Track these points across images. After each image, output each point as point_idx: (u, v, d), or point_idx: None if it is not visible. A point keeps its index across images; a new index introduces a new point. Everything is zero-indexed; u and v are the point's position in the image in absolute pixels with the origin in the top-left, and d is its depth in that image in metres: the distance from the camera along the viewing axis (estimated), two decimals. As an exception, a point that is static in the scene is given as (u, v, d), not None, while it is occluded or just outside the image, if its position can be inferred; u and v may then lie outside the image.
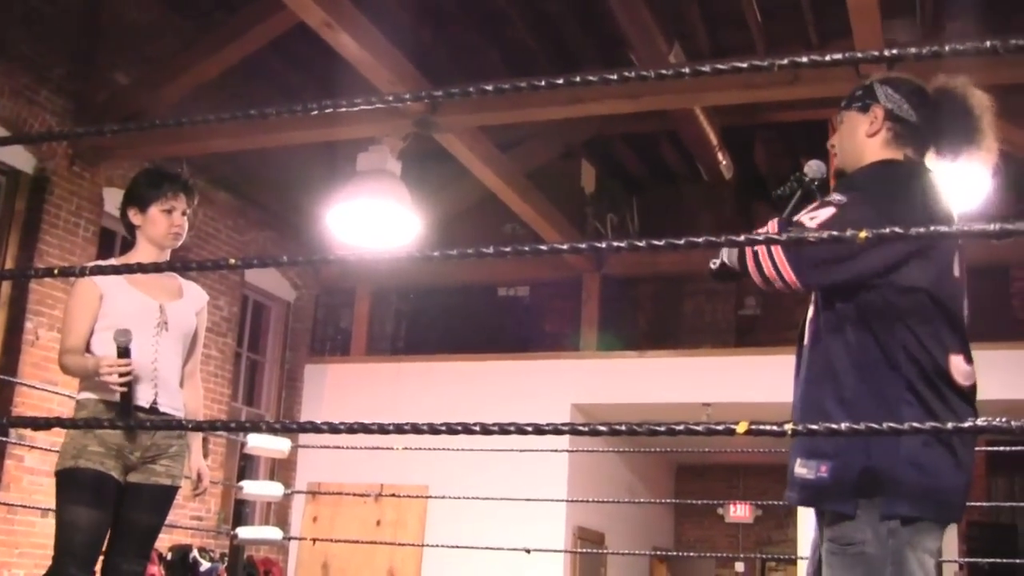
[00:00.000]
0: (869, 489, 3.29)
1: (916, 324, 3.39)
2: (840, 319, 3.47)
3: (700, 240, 2.32)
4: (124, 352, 4.77)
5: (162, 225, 5.16)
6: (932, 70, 8.00)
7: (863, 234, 2.29)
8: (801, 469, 3.42)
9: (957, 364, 3.42)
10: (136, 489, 4.99)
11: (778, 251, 3.33)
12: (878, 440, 3.28)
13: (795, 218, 3.45)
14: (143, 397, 4.96)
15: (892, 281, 3.40)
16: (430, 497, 10.24)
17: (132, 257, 5.22)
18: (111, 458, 4.88)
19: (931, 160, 3.73)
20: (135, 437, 4.94)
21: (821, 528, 3.51)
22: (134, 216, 5.22)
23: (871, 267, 3.38)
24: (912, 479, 3.28)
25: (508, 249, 2.38)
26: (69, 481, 4.88)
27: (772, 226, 3.47)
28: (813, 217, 3.36)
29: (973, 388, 3.46)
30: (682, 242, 2.33)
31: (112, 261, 5.60)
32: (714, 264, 3.67)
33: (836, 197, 3.41)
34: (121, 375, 4.74)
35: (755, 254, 3.39)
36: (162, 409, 5.03)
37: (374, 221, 10.13)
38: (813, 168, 3.87)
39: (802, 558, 11.19)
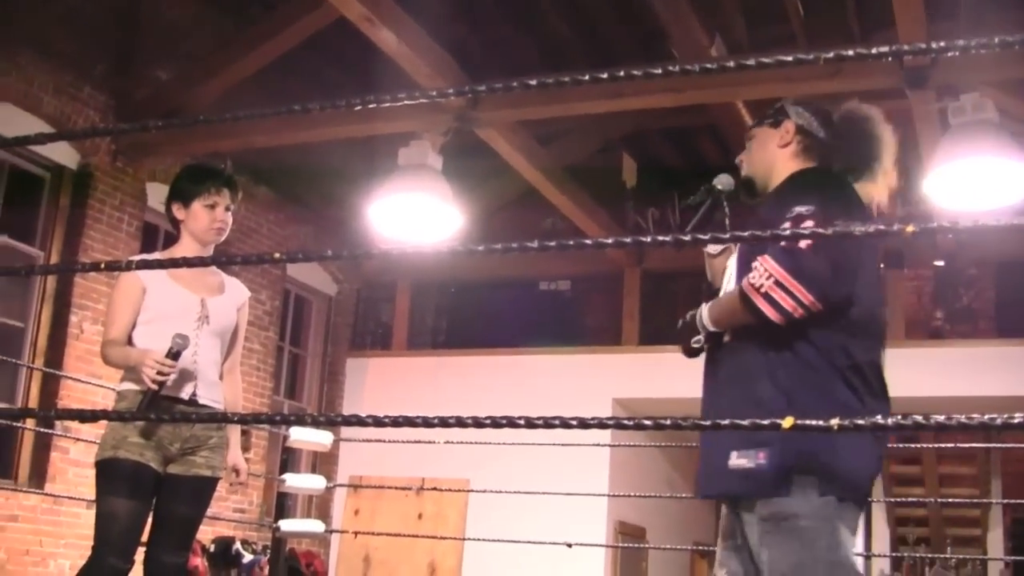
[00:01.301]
0: (806, 469, 3.44)
1: (854, 325, 3.61)
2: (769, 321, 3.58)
3: (745, 234, 2.32)
4: (175, 355, 4.83)
5: (205, 220, 5.19)
6: (974, 65, 7.93)
7: (910, 228, 2.28)
8: (740, 460, 3.54)
9: (884, 357, 3.75)
10: (175, 480, 5.02)
11: (789, 281, 3.41)
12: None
13: (781, 245, 3.50)
14: (183, 390, 5.00)
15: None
16: (471, 491, 10.25)
17: (175, 252, 5.26)
18: (150, 449, 4.91)
19: None
20: (174, 428, 4.97)
21: (740, 514, 3.68)
22: (177, 211, 5.25)
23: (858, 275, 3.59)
24: (844, 462, 3.47)
25: (552, 244, 2.38)
26: (108, 471, 4.92)
27: (769, 263, 3.48)
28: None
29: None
30: (727, 236, 2.33)
31: (156, 255, 5.64)
32: (697, 343, 3.87)
33: (799, 209, 3.52)
34: (161, 373, 4.79)
35: (766, 296, 3.46)
36: (201, 401, 5.07)
37: (415, 215, 10.14)
38: (723, 181, 4.08)
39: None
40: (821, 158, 3.95)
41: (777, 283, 3.42)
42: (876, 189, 3.93)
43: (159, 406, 4.84)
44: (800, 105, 4.06)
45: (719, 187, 4.05)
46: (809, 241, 3.41)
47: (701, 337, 3.81)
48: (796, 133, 3.98)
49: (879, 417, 3.38)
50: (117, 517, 4.85)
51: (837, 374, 3.52)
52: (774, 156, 3.99)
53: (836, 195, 3.69)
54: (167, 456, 4.99)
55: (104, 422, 5.12)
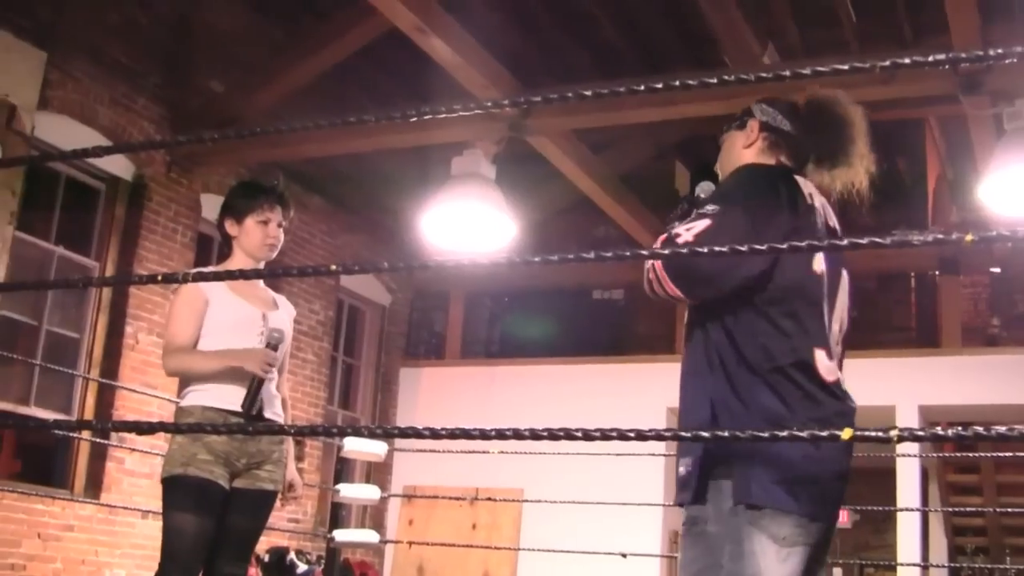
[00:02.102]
0: (721, 475, 3.41)
1: (775, 326, 3.53)
2: (704, 320, 3.64)
3: (803, 244, 2.29)
4: (274, 348, 5.02)
5: (257, 236, 5.21)
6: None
7: (969, 237, 2.25)
8: (680, 468, 3.56)
9: (820, 359, 3.54)
10: (240, 494, 5.05)
11: (659, 268, 3.50)
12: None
13: (670, 229, 3.58)
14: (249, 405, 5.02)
15: (760, 287, 3.55)
16: (525, 501, 10.23)
17: (228, 267, 5.27)
18: (219, 466, 4.94)
19: (811, 171, 3.90)
20: (242, 444, 5.00)
21: None
22: (230, 227, 5.27)
23: (749, 276, 3.52)
24: (760, 468, 3.36)
25: (609, 254, 2.37)
26: (176, 488, 4.94)
27: (659, 242, 3.58)
28: (689, 228, 3.50)
29: (838, 382, 3.60)
30: (785, 247, 2.31)
31: (212, 269, 5.66)
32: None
33: (709, 208, 3.55)
34: (271, 364, 4.98)
35: (646, 271, 3.56)
36: (266, 415, 5.09)
37: (469, 224, 10.14)
38: (705, 188, 4.02)
39: (901, 564, 11.11)
40: (789, 151, 3.91)
41: (653, 265, 3.52)
42: (856, 174, 3.83)
43: (255, 402, 5.00)
44: (767, 102, 3.99)
45: (702, 196, 4.00)
46: (693, 236, 3.46)
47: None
48: (761, 131, 3.93)
49: (812, 421, 3.43)
50: (185, 534, 4.87)
51: (759, 379, 3.47)
52: (739, 157, 3.94)
53: (755, 194, 3.63)
54: (233, 472, 5.02)
55: (165, 436, 5.15)
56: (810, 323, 3.58)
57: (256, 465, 5.08)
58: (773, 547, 3.33)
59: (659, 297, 3.55)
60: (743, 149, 3.94)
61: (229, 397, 4.99)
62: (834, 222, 3.81)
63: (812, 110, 3.90)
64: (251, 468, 5.06)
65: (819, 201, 3.77)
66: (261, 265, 5.30)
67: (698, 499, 3.44)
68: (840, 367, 3.68)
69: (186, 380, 5.13)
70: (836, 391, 3.56)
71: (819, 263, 3.65)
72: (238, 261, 5.25)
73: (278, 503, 5.31)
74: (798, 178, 3.76)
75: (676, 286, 3.48)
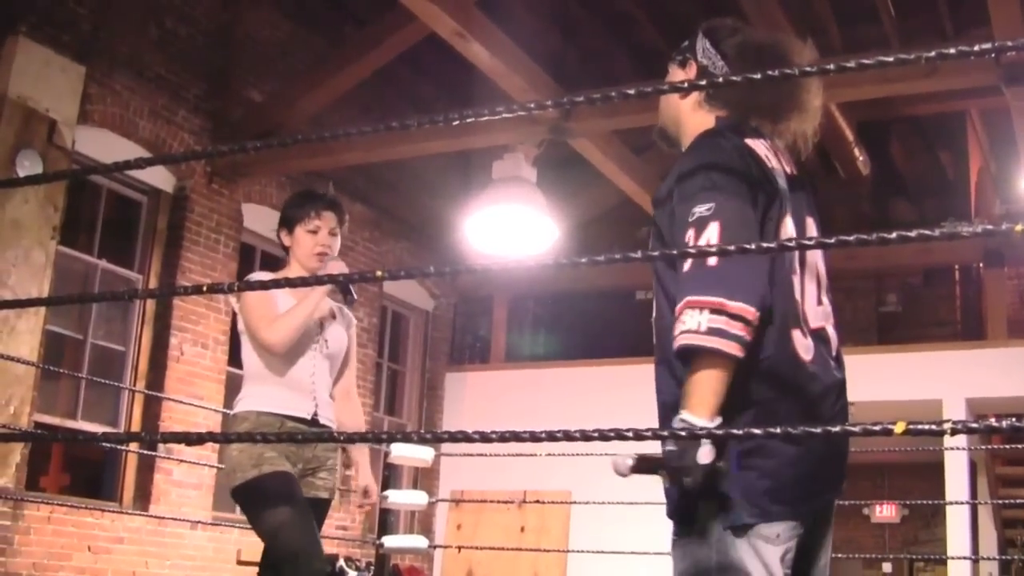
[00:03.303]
0: (707, 495, 3.01)
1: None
2: (669, 314, 3.13)
3: (851, 238, 2.26)
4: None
5: (307, 245, 5.19)
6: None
7: (1019, 227, 2.21)
8: (664, 482, 3.10)
9: (798, 339, 3.13)
10: None
11: (726, 306, 2.90)
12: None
13: (685, 270, 3.02)
14: (304, 410, 5.02)
15: None
16: (573, 503, 10.21)
17: (280, 276, 5.27)
18: (288, 463, 4.91)
19: (756, 123, 3.39)
20: (299, 448, 4.98)
21: None
22: (284, 237, 5.28)
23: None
24: (745, 487, 3.02)
25: (656, 253, 2.35)
26: (256, 490, 4.85)
27: (694, 299, 2.95)
28: (702, 242, 2.99)
29: (815, 360, 3.15)
30: (832, 240, 2.28)
31: (258, 276, 5.65)
32: (630, 461, 3.11)
33: (700, 208, 3.03)
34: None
35: (713, 332, 2.89)
36: (321, 422, 5.07)
37: (511, 228, 10.14)
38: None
39: (951, 557, 11.04)
40: (729, 104, 3.38)
41: (715, 311, 2.90)
42: (807, 123, 3.37)
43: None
44: (711, 35, 3.45)
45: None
46: (718, 239, 2.96)
47: (630, 460, 3.08)
48: (698, 77, 3.39)
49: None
50: (291, 525, 4.75)
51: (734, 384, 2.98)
52: (677, 106, 3.46)
53: (733, 175, 3.10)
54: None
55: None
56: (783, 306, 3.14)
57: (311, 472, 5.05)
58: (768, 547, 3.03)
59: (742, 343, 2.92)
60: (680, 99, 3.44)
61: (283, 402, 4.98)
62: (790, 166, 3.38)
63: (750, 57, 3.33)
64: (306, 475, 5.03)
65: (773, 157, 3.31)
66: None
67: (684, 519, 3.09)
68: (826, 328, 3.31)
69: (244, 380, 5.15)
70: (814, 369, 3.15)
71: (788, 229, 3.21)
72: (293, 271, 5.24)
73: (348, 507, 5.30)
74: (749, 142, 3.25)
75: (753, 305, 2.93)
